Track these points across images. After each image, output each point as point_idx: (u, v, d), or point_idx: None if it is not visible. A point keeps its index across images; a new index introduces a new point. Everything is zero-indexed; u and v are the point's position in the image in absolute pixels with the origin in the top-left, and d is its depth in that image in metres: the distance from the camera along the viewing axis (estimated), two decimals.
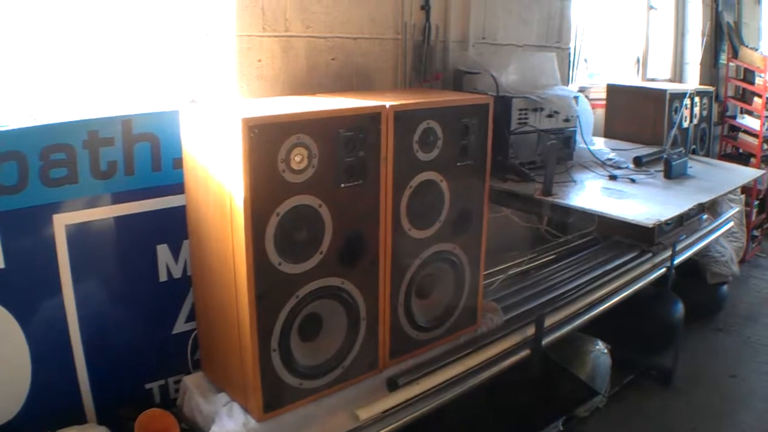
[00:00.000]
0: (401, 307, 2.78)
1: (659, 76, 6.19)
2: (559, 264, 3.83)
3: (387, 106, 2.53)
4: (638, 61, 5.85)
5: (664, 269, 3.95)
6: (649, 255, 3.96)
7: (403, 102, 2.62)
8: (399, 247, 2.69)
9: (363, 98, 2.68)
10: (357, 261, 2.58)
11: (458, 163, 2.80)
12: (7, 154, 2.40)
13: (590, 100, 4.42)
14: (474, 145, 2.83)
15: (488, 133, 2.87)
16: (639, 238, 3.93)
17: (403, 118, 2.58)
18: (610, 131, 4.56)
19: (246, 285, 2.30)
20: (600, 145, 4.08)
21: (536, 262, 3.82)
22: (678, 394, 3.97)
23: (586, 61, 5.01)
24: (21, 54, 2.68)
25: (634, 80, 5.79)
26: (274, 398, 2.47)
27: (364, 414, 2.58)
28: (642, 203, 3.14)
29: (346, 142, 2.43)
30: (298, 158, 2.32)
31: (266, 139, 2.24)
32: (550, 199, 3.07)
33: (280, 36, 2.93)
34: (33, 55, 2.70)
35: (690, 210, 3.07)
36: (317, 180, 2.38)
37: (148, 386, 2.85)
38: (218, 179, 2.34)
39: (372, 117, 2.51)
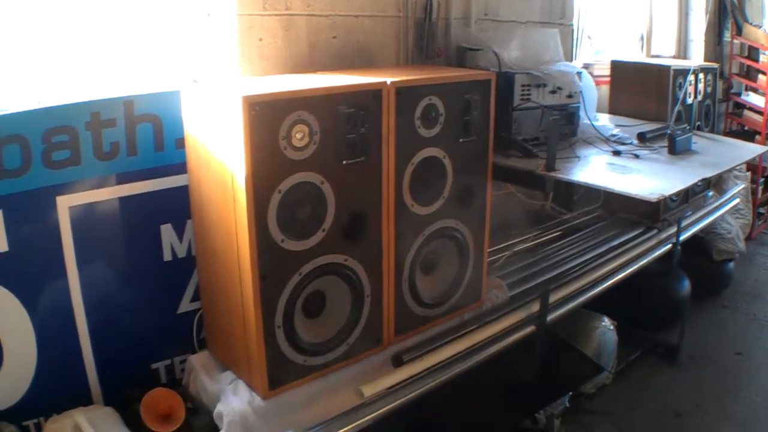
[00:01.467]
0: (406, 283, 2.76)
1: (664, 53, 6.10)
2: (565, 241, 3.79)
3: (388, 83, 2.50)
4: (642, 38, 5.78)
5: (669, 246, 3.89)
6: (655, 231, 3.91)
7: (405, 78, 2.58)
8: (402, 223, 2.66)
9: (364, 75, 2.65)
10: (360, 238, 2.55)
11: (461, 139, 2.76)
12: (10, 138, 2.38)
13: (595, 76, 4.36)
14: (476, 121, 2.79)
15: (490, 109, 2.84)
16: (644, 215, 3.95)
17: (405, 94, 2.54)
18: (614, 107, 4.49)
19: (249, 262, 2.29)
20: (605, 121, 4.04)
21: (541, 239, 3.77)
22: (684, 370, 3.94)
23: (590, 38, 4.95)
24: (22, 37, 2.64)
25: (639, 57, 5.72)
26: (278, 375, 2.45)
27: (369, 390, 2.56)
28: (646, 178, 3.10)
29: (347, 118, 2.40)
30: (299, 135, 2.29)
31: (267, 117, 2.21)
32: (553, 174, 3.03)
33: (280, 14, 2.89)
34: (34, 38, 2.66)
35: (695, 186, 3.03)
36: (319, 157, 2.36)
37: (154, 366, 2.83)
38: (220, 158, 2.32)
39: (373, 93, 2.48)
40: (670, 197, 3.37)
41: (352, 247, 2.53)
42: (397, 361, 2.71)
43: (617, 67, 4.57)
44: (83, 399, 2.63)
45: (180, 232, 2.79)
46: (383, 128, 2.51)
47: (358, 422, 2.50)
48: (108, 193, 2.62)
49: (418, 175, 2.67)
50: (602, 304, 3.54)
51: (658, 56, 5.79)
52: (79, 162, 2.53)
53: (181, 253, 2.82)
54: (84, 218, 2.58)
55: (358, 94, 2.45)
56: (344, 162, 2.43)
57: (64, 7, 2.71)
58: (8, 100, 2.56)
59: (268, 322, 2.37)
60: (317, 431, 2.44)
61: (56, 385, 2.57)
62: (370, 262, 2.61)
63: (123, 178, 2.64)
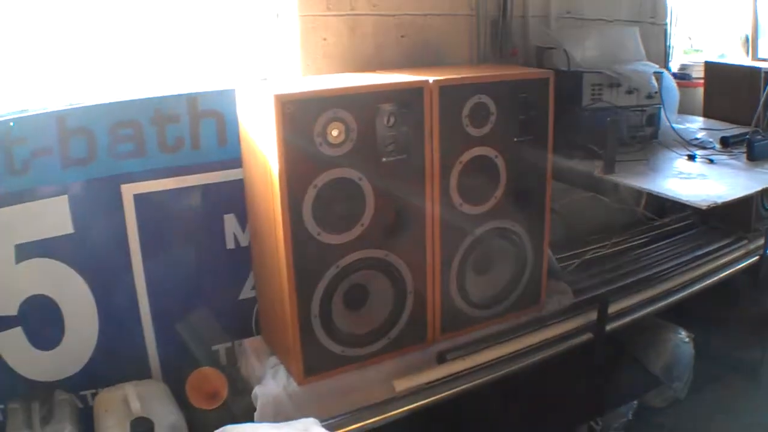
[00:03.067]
0: (454, 282, 2.68)
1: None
2: (648, 248, 3.54)
3: (431, 81, 2.44)
4: (747, 39, 5.29)
5: (756, 257, 3.57)
6: (744, 242, 3.59)
7: (450, 77, 2.51)
8: (449, 222, 2.59)
9: (422, 74, 2.59)
10: (402, 235, 2.50)
11: (516, 139, 2.65)
12: (77, 130, 2.54)
13: (693, 78, 4.08)
14: (534, 121, 2.67)
15: (549, 108, 2.70)
16: (736, 224, 3.62)
17: (449, 93, 2.48)
18: (708, 110, 4.13)
19: (284, 252, 2.31)
20: (695, 124, 3.75)
21: (624, 245, 3.54)
22: (766, 390, 3.60)
23: (690, 38, 4.60)
24: (99, 33, 2.79)
25: (739, 59, 5.25)
26: (315, 363, 2.47)
27: (402, 385, 2.52)
28: (709, 185, 2.87)
29: (386, 116, 2.37)
30: (335, 132, 2.29)
31: (300, 114, 2.22)
32: (610, 177, 2.85)
33: (345, 15, 2.89)
34: (108, 34, 2.80)
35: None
36: (357, 154, 2.34)
37: (214, 348, 2.93)
38: (262, 153, 2.36)
39: (414, 92, 2.43)
40: (763, 205, 3.09)
41: (393, 242, 2.49)
42: (441, 359, 2.66)
43: (711, 68, 4.19)
44: (142, 374, 2.76)
45: (243, 221, 2.86)
46: (426, 126, 2.46)
47: (386, 415, 2.47)
48: (172, 183, 2.74)
49: (468, 174, 2.58)
50: (681, 315, 3.29)
51: (764, 59, 5.27)
52: (144, 154, 2.66)
53: (244, 242, 2.89)
54: (148, 205, 2.71)
55: (399, 92, 2.41)
56: (384, 159, 2.40)
57: (140, 7, 2.84)
58: (77, 94, 2.70)
59: (303, 311, 2.39)
60: (343, 420, 2.43)
61: (116, 359, 2.72)
62: (413, 259, 2.56)
63: (187, 170, 2.75)
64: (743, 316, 3.57)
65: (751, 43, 5.01)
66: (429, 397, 2.55)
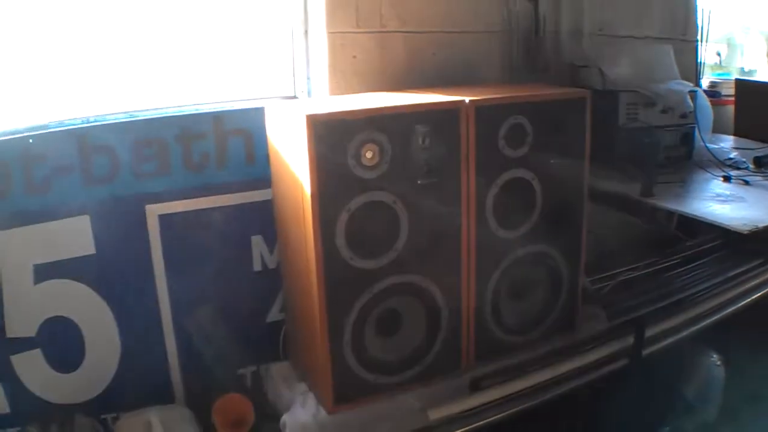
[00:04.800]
0: (488, 307, 2.52)
1: None
2: (680, 269, 3.34)
3: (467, 101, 2.29)
4: None
5: None
6: None
7: (486, 97, 2.36)
8: (485, 246, 2.43)
9: (456, 94, 2.44)
10: (437, 259, 2.35)
11: (552, 161, 2.49)
12: (99, 147, 2.40)
13: (723, 96, 3.93)
14: (570, 142, 2.51)
15: (586, 129, 2.55)
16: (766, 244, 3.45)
17: (486, 113, 2.32)
18: (739, 129, 3.98)
19: (316, 277, 2.16)
20: (726, 143, 3.59)
21: (655, 267, 3.38)
22: None
23: (719, 54, 4.45)
24: (124, 48, 2.63)
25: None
26: (346, 391, 2.31)
27: (436, 414, 2.35)
28: (747, 207, 2.74)
29: (422, 138, 2.22)
30: (369, 154, 2.14)
31: (333, 135, 2.08)
32: (649, 200, 2.70)
33: (375, 32, 2.74)
34: (133, 48, 2.64)
35: None
36: (391, 176, 2.19)
37: (240, 372, 2.78)
38: (293, 175, 2.21)
39: (450, 112, 2.28)
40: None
41: (428, 268, 2.34)
42: (475, 386, 2.49)
43: (741, 86, 4.05)
44: (165, 398, 2.63)
45: (271, 243, 2.73)
46: (462, 148, 2.31)
47: None
48: (198, 203, 2.61)
49: (504, 196, 2.42)
50: (708, 337, 3.11)
51: None
52: (169, 172, 2.52)
53: (272, 264, 2.75)
54: (174, 226, 2.57)
55: (434, 113, 2.26)
56: (419, 182, 2.25)
57: (166, 23, 2.69)
58: (97, 110, 2.56)
59: (335, 337, 2.24)
60: None
61: (138, 383, 2.58)
62: (448, 284, 2.40)
63: (213, 190, 2.62)
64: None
65: None
66: (464, 426, 2.39)
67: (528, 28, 3.09)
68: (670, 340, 2.82)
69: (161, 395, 2.63)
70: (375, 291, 2.27)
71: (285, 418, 2.35)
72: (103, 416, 2.57)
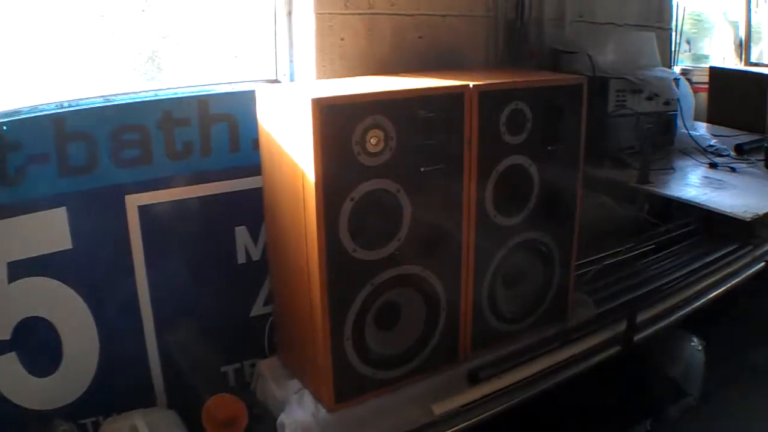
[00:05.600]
0: (486, 297, 2.45)
1: (764, 60, 5.46)
2: (657, 256, 3.36)
3: (471, 86, 2.20)
4: (740, 44, 5.22)
5: (763, 264, 3.41)
6: (749, 248, 3.45)
7: (489, 81, 2.28)
8: (483, 234, 2.35)
9: (448, 78, 2.34)
10: (437, 249, 2.26)
11: (549, 147, 2.43)
12: (75, 134, 2.22)
13: (693, 83, 3.95)
14: (566, 128, 2.45)
15: (582, 116, 2.50)
16: (740, 230, 3.49)
17: (489, 98, 2.24)
18: (712, 116, 4.01)
19: (318, 271, 2.04)
20: (702, 130, 3.62)
21: (632, 253, 3.37)
22: None
23: (689, 42, 4.49)
24: (91, 28, 2.43)
25: (736, 64, 5.19)
26: (346, 388, 2.20)
27: (440, 408, 2.27)
28: (741, 194, 2.75)
29: (426, 123, 2.12)
30: (374, 140, 2.03)
31: (339, 120, 1.96)
32: (646, 187, 2.67)
33: (363, 13, 2.60)
34: (104, 29, 2.46)
35: None
36: (395, 163, 2.08)
37: (223, 369, 2.64)
38: (291, 161, 2.08)
39: (454, 97, 2.19)
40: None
41: (428, 258, 2.24)
42: (473, 378, 2.42)
43: (716, 74, 4.09)
44: (146, 400, 2.47)
45: (255, 234, 2.59)
46: (465, 134, 2.22)
47: None
48: (180, 193, 2.44)
49: (502, 184, 2.35)
50: (688, 322, 3.13)
51: (756, 64, 5.22)
52: (150, 161, 2.35)
53: (256, 255, 2.61)
54: (154, 217, 2.40)
55: (439, 97, 2.17)
56: (422, 169, 2.15)
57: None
58: (74, 94, 2.34)
59: (336, 333, 2.12)
60: None
61: (118, 384, 2.41)
62: (448, 274, 2.32)
63: (196, 179, 2.45)
64: (747, 320, 3.45)
65: (744, 48, 4.95)
66: (470, 419, 2.31)
67: (512, 13, 3.02)
68: (657, 327, 2.82)
69: (142, 397, 2.47)
70: (376, 283, 2.16)
71: (282, 418, 2.22)
72: (81, 421, 2.39)
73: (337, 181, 2.00)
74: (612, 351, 2.67)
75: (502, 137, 2.31)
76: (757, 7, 4.94)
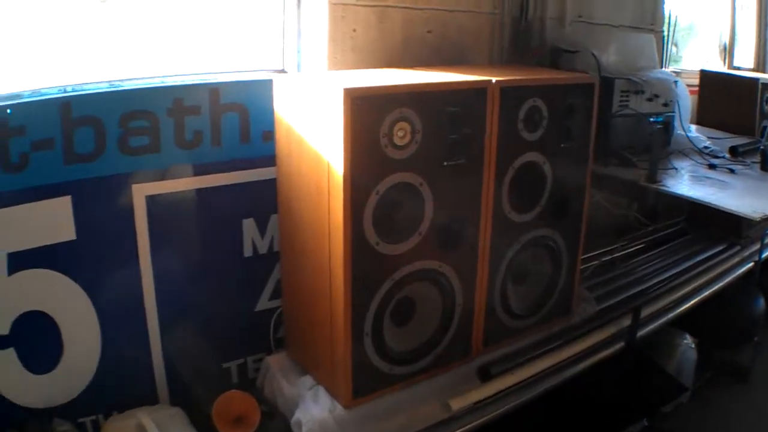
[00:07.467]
0: (497, 293, 2.40)
1: (744, 64, 5.58)
2: (650, 254, 3.39)
3: (493, 81, 2.14)
4: (724, 48, 5.31)
5: (752, 264, 3.48)
6: (738, 248, 3.50)
7: (510, 78, 2.23)
8: (498, 230, 2.31)
9: (462, 73, 2.29)
10: (456, 244, 2.20)
11: (562, 144, 2.39)
12: (83, 119, 2.08)
13: None
14: (578, 127, 2.43)
15: (593, 115, 2.47)
16: (727, 230, 3.54)
17: (510, 94, 2.19)
18: (702, 118, 4.02)
19: (342, 265, 1.96)
20: (694, 132, 3.65)
21: (626, 251, 3.39)
22: (755, 391, 3.52)
23: (676, 45, 4.54)
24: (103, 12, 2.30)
25: (720, 68, 5.26)
26: (363, 384, 2.13)
27: (457, 404, 2.22)
28: (743, 195, 2.76)
29: (450, 117, 2.06)
30: (401, 133, 1.96)
31: (369, 112, 1.88)
32: (655, 186, 2.67)
33: (375, 6, 2.52)
34: (116, 15, 2.32)
35: None
36: (420, 157, 2.02)
37: (225, 365, 2.53)
38: (315, 153, 1.99)
39: (478, 92, 2.13)
40: None
41: (447, 253, 2.19)
42: (484, 374, 2.37)
43: (706, 77, 4.10)
44: (148, 397, 2.36)
45: (263, 227, 2.49)
46: (486, 129, 2.16)
47: None
48: (188, 184, 2.32)
49: (518, 180, 2.31)
50: (680, 320, 3.15)
51: (738, 68, 5.32)
52: (159, 149, 2.22)
53: (263, 249, 2.50)
54: (161, 208, 2.27)
55: (463, 92, 2.11)
56: (445, 163, 2.09)
57: None
58: (84, 78, 2.22)
59: (356, 327, 2.05)
60: None
61: (120, 381, 2.28)
62: (464, 270, 2.26)
63: (205, 169, 2.33)
64: (734, 319, 3.49)
65: (728, 52, 5.02)
66: (485, 415, 2.28)
67: (516, 10, 2.98)
68: (658, 323, 2.83)
69: (144, 395, 2.35)
70: (396, 278, 2.09)
71: (299, 415, 2.13)
72: (81, 419, 2.25)
73: (364, 174, 1.93)
74: (616, 347, 2.67)
75: (520, 133, 2.27)
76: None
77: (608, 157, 2.92)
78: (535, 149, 2.33)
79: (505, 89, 2.18)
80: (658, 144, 2.70)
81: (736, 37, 5.08)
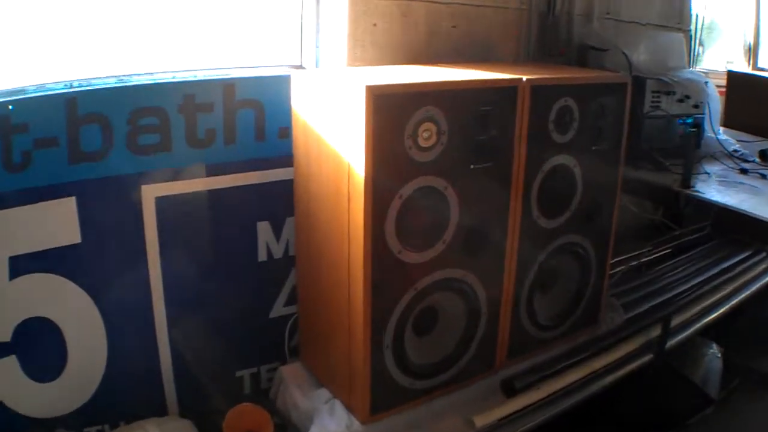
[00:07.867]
0: (524, 303, 2.28)
1: None
2: (676, 260, 3.24)
3: (524, 80, 2.02)
4: (749, 48, 5.15)
5: None
6: (764, 254, 3.32)
7: (540, 76, 2.10)
8: (526, 237, 2.18)
9: (490, 70, 2.16)
10: (482, 251, 2.07)
11: (594, 147, 2.27)
12: (89, 116, 1.95)
13: None
14: (609, 128, 2.30)
15: (625, 116, 2.34)
16: (753, 236, 3.40)
17: (540, 94, 2.07)
18: (728, 120, 3.87)
19: (362, 273, 1.84)
20: (722, 135, 3.52)
21: (652, 256, 3.24)
22: None
23: (702, 44, 4.40)
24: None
25: (744, 68, 5.12)
26: (382, 399, 2.01)
27: (481, 421, 2.09)
28: None
29: (478, 118, 1.94)
30: (426, 134, 1.83)
31: (393, 111, 1.76)
32: (689, 192, 2.54)
33: None
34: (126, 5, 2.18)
35: None
36: (445, 159, 1.89)
37: (238, 374, 2.41)
38: (334, 154, 1.87)
39: (507, 91, 2.00)
40: None
41: (472, 261, 2.06)
42: (508, 388, 2.25)
43: (734, 78, 3.91)
44: (156, 408, 2.25)
45: (278, 230, 2.36)
46: (516, 130, 2.04)
47: None
48: (201, 184, 2.19)
49: (547, 184, 2.18)
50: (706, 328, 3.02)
51: (763, 69, 5.16)
52: (170, 148, 2.10)
53: (278, 253, 2.38)
54: (172, 211, 2.16)
55: (492, 91, 1.98)
56: (471, 166, 1.96)
57: None
58: (91, 73, 2.08)
59: (376, 339, 1.92)
60: None
61: (127, 391, 2.18)
62: (490, 279, 2.14)
63: (218, 169, 2.21)
64: (757, 327, 3.36)
65: (752, 52, 4.87)
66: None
67: (544, 6, 2.84)
68: (686, 333, 2.69)
69: (152, 405, 2.23)
70: (419, 288, 1.97)
71: (313, 431, 2.02)
72: (86, 430, 2.14)
73: (387, 177, 1.80)
74: (645, 359, 2.53)
75: (550, 135, 2.14)
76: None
77: (638, 160, 2.79)
78: (566, 151, 2.20)
79: (536, 88, 2.05)
80: (691, 148, 2.57)
81: (760, 37, 4.93)
